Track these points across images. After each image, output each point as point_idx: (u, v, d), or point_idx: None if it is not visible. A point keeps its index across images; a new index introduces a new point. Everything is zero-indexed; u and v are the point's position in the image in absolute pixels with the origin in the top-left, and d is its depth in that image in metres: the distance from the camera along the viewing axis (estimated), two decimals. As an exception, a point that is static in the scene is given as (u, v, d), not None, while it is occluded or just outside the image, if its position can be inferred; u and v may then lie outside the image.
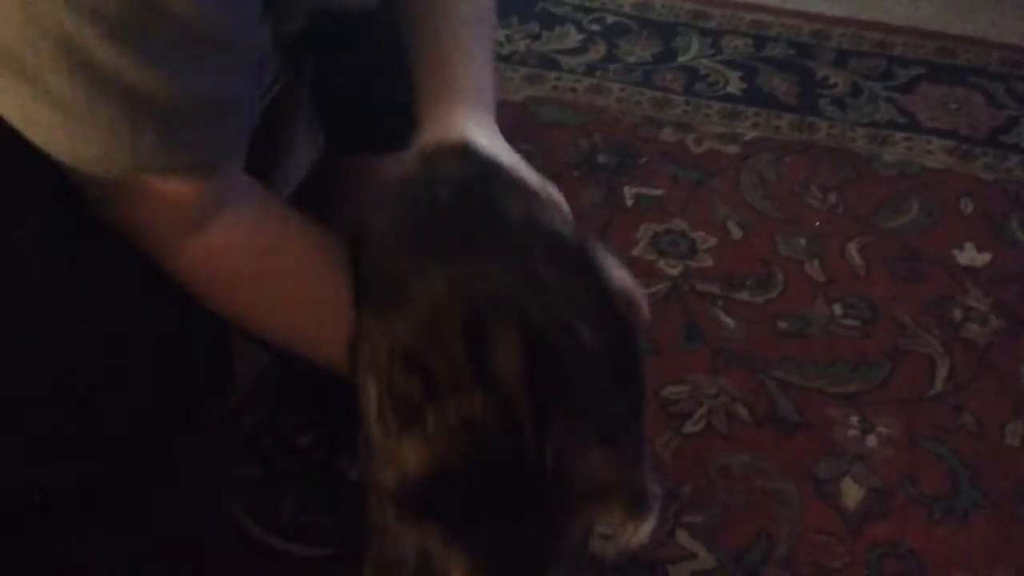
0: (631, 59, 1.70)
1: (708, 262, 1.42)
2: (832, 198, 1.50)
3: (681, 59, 1.70)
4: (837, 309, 1.38)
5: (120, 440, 1.01)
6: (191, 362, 1.01)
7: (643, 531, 0.81)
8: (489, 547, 0.73)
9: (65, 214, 0.85)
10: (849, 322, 1.36)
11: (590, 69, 1.68)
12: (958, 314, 1.37)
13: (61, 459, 0.97)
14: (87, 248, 0.87)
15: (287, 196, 1.27)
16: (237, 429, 1.13)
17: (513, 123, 1.57)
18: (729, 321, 1.36)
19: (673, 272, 1.41)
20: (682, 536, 1.16)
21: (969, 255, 1.44)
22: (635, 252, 1.43)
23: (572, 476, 0.73)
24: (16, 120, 0.77)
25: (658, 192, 1.50)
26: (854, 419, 1.26)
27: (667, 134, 1.58)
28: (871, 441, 1.25)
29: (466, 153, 0.88)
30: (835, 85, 1.66)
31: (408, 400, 0.72)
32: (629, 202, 1.49)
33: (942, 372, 1.31)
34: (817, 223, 1.47)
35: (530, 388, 0.71)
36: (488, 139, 0.93)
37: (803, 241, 1.45)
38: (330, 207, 1.21)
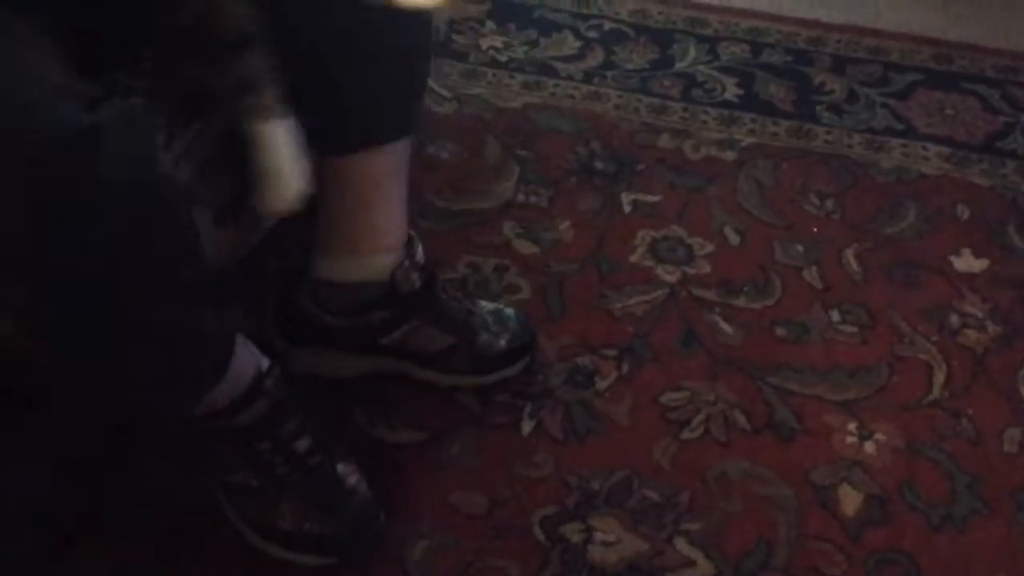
0: (628, 66, 1.70)
1: (706, 268, 1.42)
2: (829, 204, 1.50)
3: (678, 66, 1.70)
4: (835, 315, 1.38)
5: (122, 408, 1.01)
6: (194, 334, 1.02)
7: None
8: None
9: None
10: (847, 328, 1.36)
11: (588, 76, 1.68)
12: (955, 320, 1.37)
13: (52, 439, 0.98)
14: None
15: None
16: (233, 434, 1.12)
17: (511, 130, 1.58)
18: (727, 327, 1.36)
19: (671, 278, 1.41)
20: (680, 543, 1.16)
21: (966, 261, 1.44)
22: (633, 258, 1.43)
23: None
24: None
25: (656, 198, 1.50)
26: (852, 426, 1.26)
27: (664, 141, 1.58)
28: (869, 448, 1.25)
29: None
30: (832, 91, 1.66)
31: None
32: (627, 208, 1.49)
33: (940, 378, 1.31)
34: (815, 229, 1.47)
35: None
36: None
37: (800, 247, 1.45)
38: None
